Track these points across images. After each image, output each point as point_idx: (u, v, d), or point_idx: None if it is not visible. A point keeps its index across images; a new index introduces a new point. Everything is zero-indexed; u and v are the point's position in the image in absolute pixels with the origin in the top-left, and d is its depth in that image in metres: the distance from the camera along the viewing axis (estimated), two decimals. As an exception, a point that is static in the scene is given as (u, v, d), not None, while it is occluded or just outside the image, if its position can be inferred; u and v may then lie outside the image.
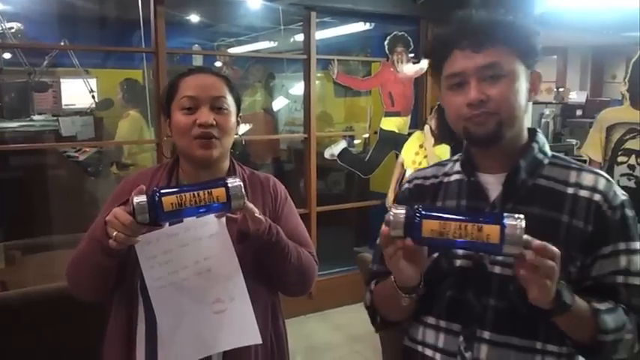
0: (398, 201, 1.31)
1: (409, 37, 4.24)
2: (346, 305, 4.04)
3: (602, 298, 1.08)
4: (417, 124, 4.44)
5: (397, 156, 4.19)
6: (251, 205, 1.21)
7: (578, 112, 7.57)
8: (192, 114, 1.31)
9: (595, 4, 4.09)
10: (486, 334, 1.10)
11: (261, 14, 4.68)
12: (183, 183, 1.37)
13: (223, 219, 1.27)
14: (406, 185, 1.31)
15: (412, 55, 4.30)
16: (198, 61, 5.74)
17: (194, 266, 1.27)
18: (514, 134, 1.13)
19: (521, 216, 0.94)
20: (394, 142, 4.26)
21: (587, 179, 1.13)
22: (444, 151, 3.86)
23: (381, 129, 4.34)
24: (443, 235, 0.96)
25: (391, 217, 0.99)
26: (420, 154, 3.98)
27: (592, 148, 3.09)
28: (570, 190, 1.12)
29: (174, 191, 1.11)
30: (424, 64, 4.32)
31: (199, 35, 6.04)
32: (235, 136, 1.41)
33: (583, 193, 1.11)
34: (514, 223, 0.92)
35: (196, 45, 5.92)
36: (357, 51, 5.47)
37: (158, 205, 1.09)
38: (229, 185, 1.12)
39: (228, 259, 1.27)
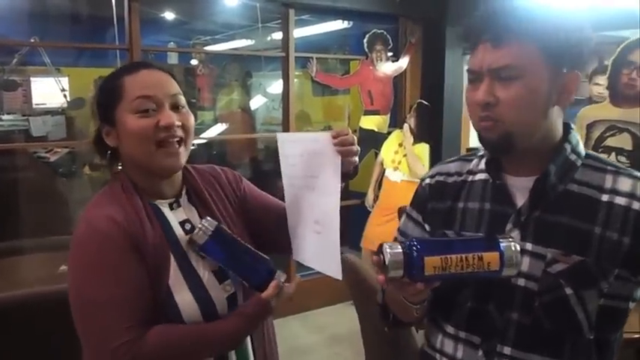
0: (416, 197, 1.24)
1: (388, 36, 4.21)
2: (327, 306, 4.02)
3: None
4: (396, 122, 4.41)
5: (376, 155, 4.16)
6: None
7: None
8: (149, 116, 1.14)
9: (569, 3, 4.11)
10: (507, 350, 1.03)
11: (238, 12, 4.60)
12: (155, 204, 1.21)
13: (332, 150, 1.14)
14: (427, 180, 1.23)
15: (391, 53, 4.27)
16: (173, 58, 5.65)
17: (303, 180, 1.23)
18: (537, 140, 1.03)
19: (513, 237, 0.97)
20: (373, 140, 4.22)
21: (625, 184, 1.01)
22: (423, 150, 3.85)
23: (360, 128, 4.30)
24: (445, 269, 0.92)
25: (388, 257, 0.91)
26: (400, 152, 3.96)
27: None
28: (605, 197, 1.00)
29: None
30: (403, 62, 4.31)
31: (175, 33, 5.93)
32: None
33: (619, 200, 1.00)
34: (511, 247, 0.93)
35: (172, 43, 5.81)
36: (336, 49, 5.43)
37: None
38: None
39: (331, 185, 1.17)
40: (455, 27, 4.13)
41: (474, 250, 0.93)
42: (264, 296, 1.16)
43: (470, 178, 1.16)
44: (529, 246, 1.03)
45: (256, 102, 5.59)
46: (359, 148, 1.17)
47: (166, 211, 1.23)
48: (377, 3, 4.11)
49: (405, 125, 3.92)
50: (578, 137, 1.08)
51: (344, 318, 3.72)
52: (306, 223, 1.25)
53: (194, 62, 5.42)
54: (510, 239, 0.94)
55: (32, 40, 4.40)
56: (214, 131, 5.11)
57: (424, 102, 4.02)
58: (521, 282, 1.02)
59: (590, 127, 3.00)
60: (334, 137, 1.14)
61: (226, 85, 5.40)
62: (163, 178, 1.22)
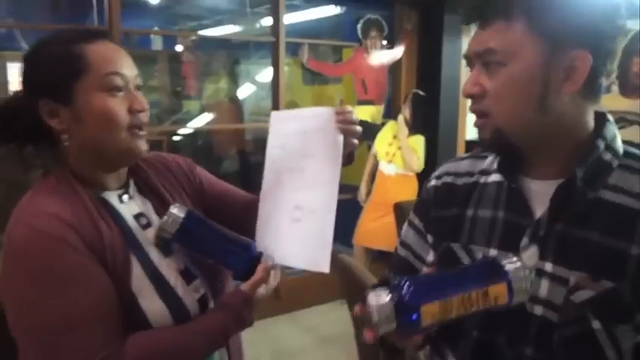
0: (419, 201, 1.06)
1: (383, 22, 4.03)
2: (316, 305, 3.84)
3: None
4: (391, 113, 4.25)
5: (370, 147, 4.00)
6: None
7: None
8: (117, 97, 0.98)
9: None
10: None
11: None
12: (103, 197, 1.03)
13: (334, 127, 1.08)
14: (433, 182, 1.04)
15: (385, 41, 4.10)
16: (157, 44, 5.42)
17: (293, 161, 1.14)
18: (544, 136, 0.85)
19: (517, 258, 0.78)
20: (367, 132, 4.02)
21: None
22: (418, 142, 3.71)
23: (353, 118, 4.13)
24: (446, 315, 0.75)
25: (375, 311, 0.73)
26: (394, 145, 3.81)
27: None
28: None
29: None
30: (399, 50, 4.14)
31: (160, 18, 5.70)
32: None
33: None
34: (520, 272, 0.76)
35: (156, 28, 5.59)
36: (327, 37, 5.25)
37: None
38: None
39: (328, 165, 1.09)
40: (452, 14, 3.97)
41: (476, 285, 0.76)
42: (252, 282, 1.03)
43: (482, 179, 0.97)
44: (549, 266, 0.84)
45: (244, 91, 5.40)
46: (361, 130, 1.11)
47: (116, 203, 1.05)
48: (372, -13, 3.93)
49: (400, 116, 3.77)
50: (615, 130, 0.88)
51: (335, 318, 3.56)
52: (282, 210, 1.14)
53: (179, 48, 5.19)
54: (516, 260, 0.77)
55: (9, 23, 4.18)
56: (200, 121, 4.93)
57: (419, 92, 3.86)
58: (539, 310, 0.84)
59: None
60: (337, 114, 1.08)
61: (213, 73, 5.20)
62: (118, 167, 1.06)
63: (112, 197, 1.05)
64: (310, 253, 1.08)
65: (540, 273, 0.84)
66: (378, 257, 3.97)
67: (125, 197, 1.07)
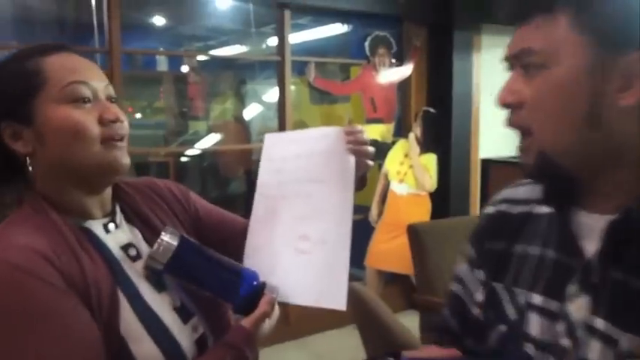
0: (475, 231, 0.93)
1: (391, 39, 3.95)
2: (328, 330, 3.72)
3: None
4: (401, 131, 4.15)
5: (380, 167, 3.90)
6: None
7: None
8: (85, 108, 0.89)
9: None
10: None
11: (230, 16, 4.37)
12: (85, 226, 0.92)
13: (344, 149, 1.01)
14: (489, 209, 0.91)
15: (394, 59, 4.01)
16: (162, 65, 5.37)
17: (296, 186, 1.06)
18: (597, 160, 0.70)
19: None
20: (377, 151, 3.91)
21: None
22: (430, 161, 3.62)
23: (362, 137, 4.03)
24: None
25: None
26: (405, 164, 3.73)
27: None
28: None
29: None
30: (408, 67, 4.05)
31: (164, 40, 5.69)
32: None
33: None
34: None
35: (161, 49, 5.56)
36: (334, 55, 5.19)
37: None
38: None
39: (339, 190, 1.02)
40: (462, 30, 3.89)
41: None
42: (255, 317, 0.93)
43: (536, 209, 0.82)
44: (600, 323, 0.68)
45: (251, 111, 5.33)
46: (374, 150, 1.04)
47: (101, 233, 0.94)
48: (379, 4, 3.85)
49: (411, 134, 3.68)
50: None
51: (347, 344, 3.41)
52: (283, 241, 1.05)
53: (184, 69, 5.15)
54: None
55: (13, 45, 4.16)
56: (207, 142, 4.86)
57: (430, 109, 3.77)
58: None
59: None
60: (347, 134, 1.01)
61: (219, 93, 5.15)
62: (98, 186, 0.94)
63: (95, 227, 0.93)
64: (323, 289, 0.98)
65: (591, 330, 0.69)
66: (391, 280, 3.85)
67: (111, 226, 0.95)
